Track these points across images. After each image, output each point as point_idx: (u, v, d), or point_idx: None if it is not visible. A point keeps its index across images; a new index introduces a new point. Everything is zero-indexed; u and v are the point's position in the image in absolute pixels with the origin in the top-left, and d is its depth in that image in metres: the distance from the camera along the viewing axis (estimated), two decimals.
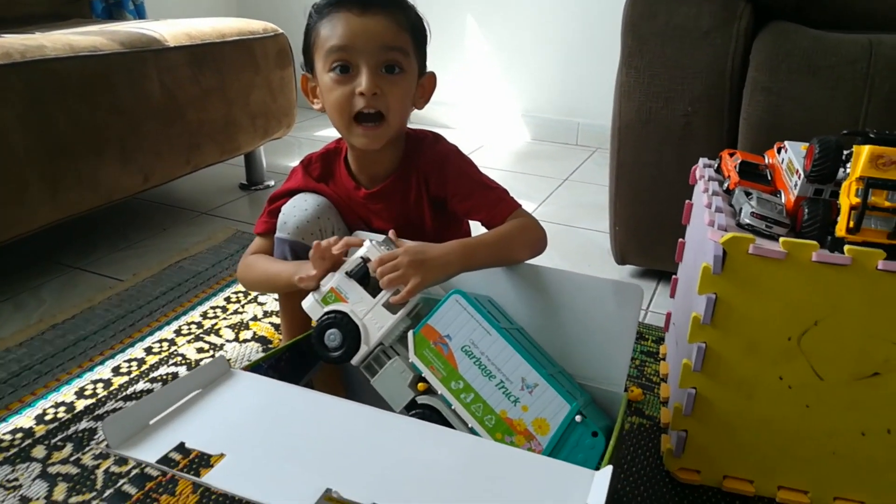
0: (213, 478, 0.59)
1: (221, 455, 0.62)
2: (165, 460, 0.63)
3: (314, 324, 0.85)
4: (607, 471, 0.61)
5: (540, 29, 2.54)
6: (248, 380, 0.77)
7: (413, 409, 0.81)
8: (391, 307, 0.82)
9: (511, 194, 0.98)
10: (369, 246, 0.84)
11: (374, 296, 0.82)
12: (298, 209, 0.98)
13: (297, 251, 0.96)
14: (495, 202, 0.96)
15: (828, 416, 0.84)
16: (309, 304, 0.85)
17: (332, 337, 0.82)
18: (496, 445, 0.71)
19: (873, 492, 0.87)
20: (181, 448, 0.63)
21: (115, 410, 1.06)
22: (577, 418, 0.74)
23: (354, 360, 0.82)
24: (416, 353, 0.80)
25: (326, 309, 0.83)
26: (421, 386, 0.81)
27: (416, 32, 0.93)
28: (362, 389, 0.87)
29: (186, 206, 1.92)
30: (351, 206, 1.02)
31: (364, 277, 0.83)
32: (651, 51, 1.25)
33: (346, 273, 0.83)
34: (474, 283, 0.92)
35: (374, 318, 0.82)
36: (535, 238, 0.93)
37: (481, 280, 0.91)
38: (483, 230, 0.95)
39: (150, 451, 0.63)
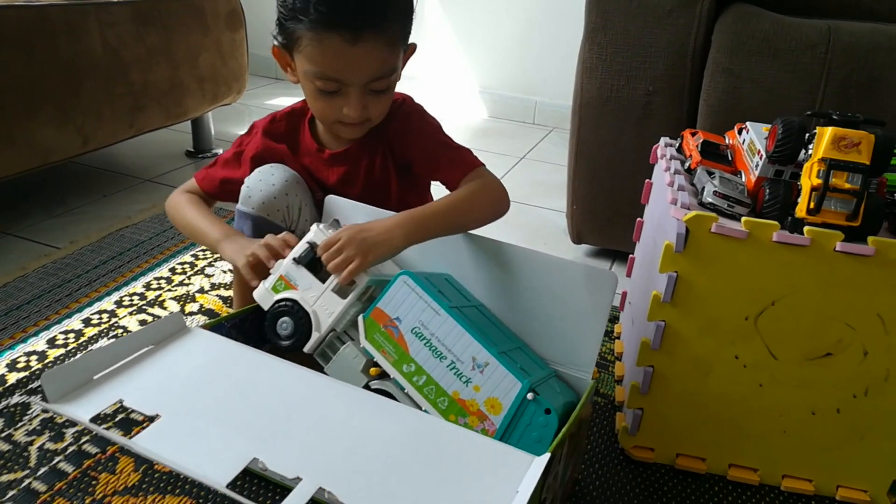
0: (141, 440, 0.57)
1: (156, 415, 0.60)
2: (99, 419, 0.61)
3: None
4: (543, 458, 0.61)
5: (500, 3, 2.51)
6: (204, 339, 0.75)
7: None
8: (341, 292, 0.80)
9: (473, 153, 0.96)
10: (315, 230, 0.83)
11: (324, 281, 0.80)
12: (265, 183, 0.93)
13: (261, 227, 0.92)
14: (455, 161, 0.94)
15: (780, 395, 0.85)
16: (259, 293, 0.83)
17: (284, 325, 0.81)
18: (442, 424, 0.70)
19: (821, 470, 0.89)
20: (119, 407, 0.61)
21: None
22: (529, 396, 0.73)
23: (307, 348, 0.80)
24: (367, 338, 0.78)
25: (277, 297, 0.82)
26: (373, 371, 0.80)
27: (405, 30, 0.88)
28: None
29: (129, 173, 1.83)
30: (312, 170, 0.99)
31: (313, 263, 0.81)
32: (615, 27, 1.24)
33: (294, 259, 0.82)
34: (442, 261, 0.90)
35: (325, 304, 0.80)
36: (494, 199, 0.91)
37: (451, 257, 0.89)
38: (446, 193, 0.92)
39: (87, 408, 0.61)
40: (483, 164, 0.95)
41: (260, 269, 0.85)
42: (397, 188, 0.98)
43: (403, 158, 0.97)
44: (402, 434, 0.65)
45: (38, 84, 1.33)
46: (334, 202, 0.94)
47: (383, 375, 0.79)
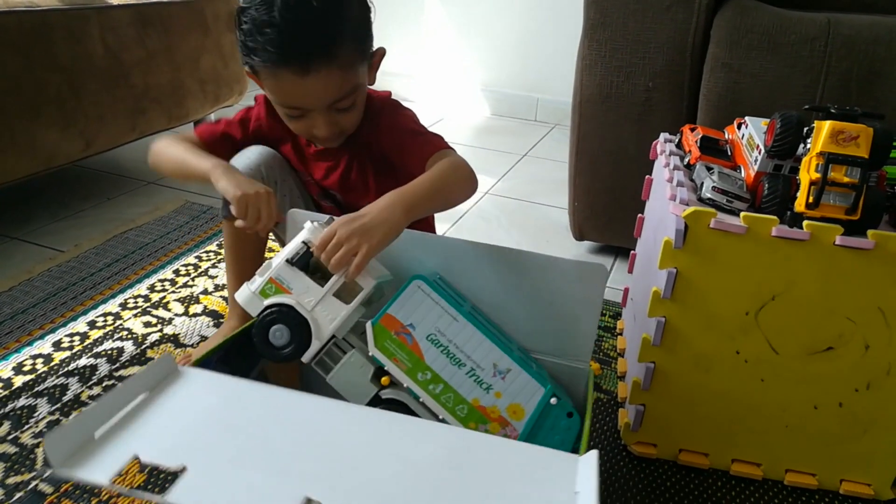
0: (177, 495, 0.52)
1: (182, 468, 0.55)
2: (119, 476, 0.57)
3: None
4: (593, 455, 0.59)
5: (501, 1, 2.50)
6: (200, 378, 0.69)
7: (377, 404, 0.75)
8: (343, 295, 0.74)
9: (444, 139, 0.95)
10: (311, 227, 0.75)
11: (320, 283, 0.74)
12: (244, 157, 0.98)
13: None
14: (422, 145, 0.93)
15: (782, 390, 0.85)
16: (245, 298, 0.74)
17: (279, 334, 0.74)
18: (477, 435, 0.67)
19: (824, 464, 0.89)
20: (136, 463, 0.56)
21: (56, 386, 1.01)
22: (553, 401, 0.73)
23: (306, 358, 0.74)
24: (377, 345, 0.74)
25: (268, 302, 0.74)
26: (385, 380, 0.75)
27: (361, 47, 0.88)
28: (319, 377, 0.82)
29: (132, 176, 1.84)
30: (302, 162, 1.03)
31: (306, 264, 0.74)
32: (613, 23, 1.24)
33: (288, 261, 0.74)
34: (432, 263, 0.87)
35: (325, 310, 0.73)
36: (464, 176, 0.88)
37: (440, 261, 0.86)
38: None
39: (99, 469, 0.55)
40: (452, 148, 0.94)
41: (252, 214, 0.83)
42: (375, 184, 1.00)
43: (380, 152, 0.98)
44: (443, 452, 0.62)
45: (39, 89, 1.34)
46: (298, 215, 0.87)
47: (394, 384, 0.76)
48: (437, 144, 0.93)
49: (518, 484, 0.59)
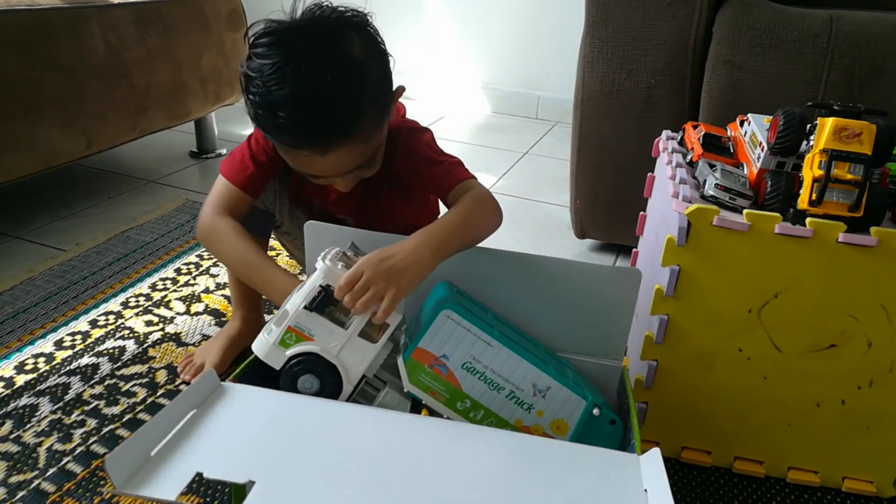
0: None
1: (249, 482, 0.55)
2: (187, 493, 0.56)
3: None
4: (655, 453, 0.59)
5: None
6: (244, 393, 0.69)
7: None
8: (368, 335, 0.72)
9: (464, 165, 0.92)
10: (325, 267, 0.71)
11: (343, 325, 0.72)
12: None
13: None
14: (442, 175, 0.90)
15: (784, 388, 0.85)
16: (265, 350, 0.71)
17: (308, 384, 0.71)
18: (534, 439, 0.67)
19: (827, 461, 0.89)
20: (199, 479, 0.56)
21: (58, 385, 1.01)
22: (595, 412, 0.72)
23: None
24: (412, 381, 0.73)
25: (290, 353, 0.71)
26: (424, 412, 0.74)
27: (383, 110, 0.84)
28: None
29: (133, 174, 1.84)
30: (311, 185, 0.98)
31: (325, 308, 0.72)
32: (615, 20, 1.24)
33: (306, 307, 0.71)
34: (448, 271, 0.84)
35: (352, 353, 0.71)
36: (493, 210, 0.86)
37: (455, 267, 0.82)
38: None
39: (163, 487, 0.55)
40: (474, 177, 0.91)
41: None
42: (388, 206, 0.98)
43: (395, 174, 0.95)
44: (507, 457, 0.62)
45: (41, 88, 1.34)
46: (316, 227, 0.86)
47: (434, 414, 0.74)
48: (457, 175, 0.90)
49: (586, 486, 0.59)
